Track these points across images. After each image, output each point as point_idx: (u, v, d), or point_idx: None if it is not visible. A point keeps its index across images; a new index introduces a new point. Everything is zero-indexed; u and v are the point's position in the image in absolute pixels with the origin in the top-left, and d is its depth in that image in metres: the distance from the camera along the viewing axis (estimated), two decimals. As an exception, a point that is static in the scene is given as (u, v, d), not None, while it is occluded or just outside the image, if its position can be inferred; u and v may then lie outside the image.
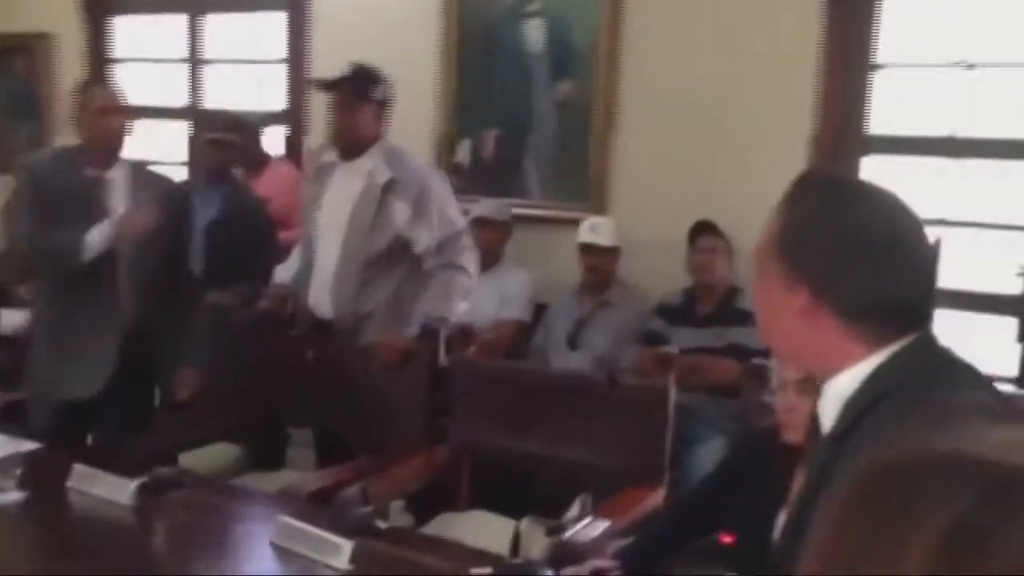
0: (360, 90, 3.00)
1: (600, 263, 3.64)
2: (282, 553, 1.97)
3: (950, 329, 3.33)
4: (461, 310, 3.03)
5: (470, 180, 4.18)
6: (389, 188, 2.96)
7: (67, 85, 5.31)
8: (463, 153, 4.21)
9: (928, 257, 1.24)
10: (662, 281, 3.61)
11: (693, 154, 3.72)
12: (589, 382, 2.77)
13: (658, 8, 3.75)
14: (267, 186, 4.03)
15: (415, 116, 4.22)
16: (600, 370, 3.19)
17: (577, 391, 2.70)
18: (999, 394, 1.30)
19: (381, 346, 2.90)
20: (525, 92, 4.02)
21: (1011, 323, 3.22)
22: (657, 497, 2.50)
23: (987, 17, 3.30)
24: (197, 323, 2.98)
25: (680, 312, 3.50)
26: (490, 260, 3.83)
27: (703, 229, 3.50)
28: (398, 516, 2.63)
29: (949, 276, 3.36)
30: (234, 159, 3.89)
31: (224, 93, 4.89)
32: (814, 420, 1.25)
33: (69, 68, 5.37)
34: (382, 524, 2.11)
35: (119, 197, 2.90)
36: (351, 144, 3.02)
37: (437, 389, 2.86)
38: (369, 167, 2.99)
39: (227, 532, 2.16)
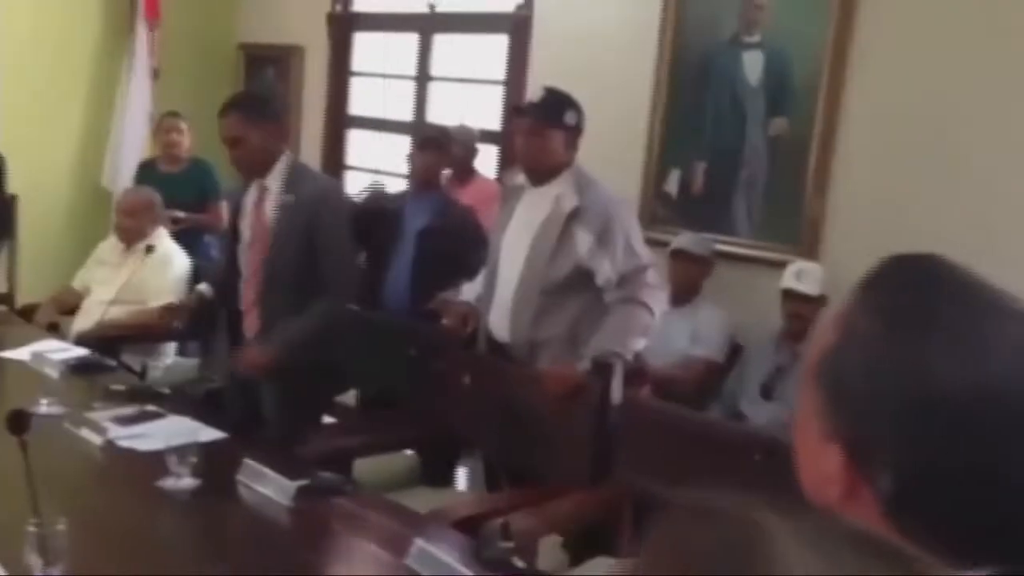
0: (551, 115, 2.98)
1: (804, 311, 3.43)
2: (414, 576, 1.97)
3: None
4: (638, 347, 2.93)
5: (677, 212, 4.08)
6: (574, 216, 2.92)
7: (314, 94, 5.72)
8: (672, 183, 4.12)
9: None
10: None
11: (917, 200, 3.43)
12: (765, 443, 2.58)
13: (885, 44, 3.49)
14: (470, 197, 4.12)
15: (626, 143, 4.19)
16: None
17: (749, 451, 2.53)
18: None
19: (551, 376, 2.86)
20: (739, 125, 3.87)
21: None
22: None
23: None
24: (306, 316, 2.98)
25: None
26: (686, 295, 3.72)
27: None
28: (551, 553, 2.58)
29: None
30: (443, 163, 3.98)
31: (447, 111, 5.03)
32: None
33: (315, 79, 5.73)
34: (519, 562, 2.06)
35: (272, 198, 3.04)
36: (539, 169, 3.00)
37: (606, 426, 2.78)
38: (556, 193, 2.97)
39: (368, 547, 2.18)
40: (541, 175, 3.01)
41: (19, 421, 1.77)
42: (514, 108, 3.20)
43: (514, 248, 3.02)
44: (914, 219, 3.42)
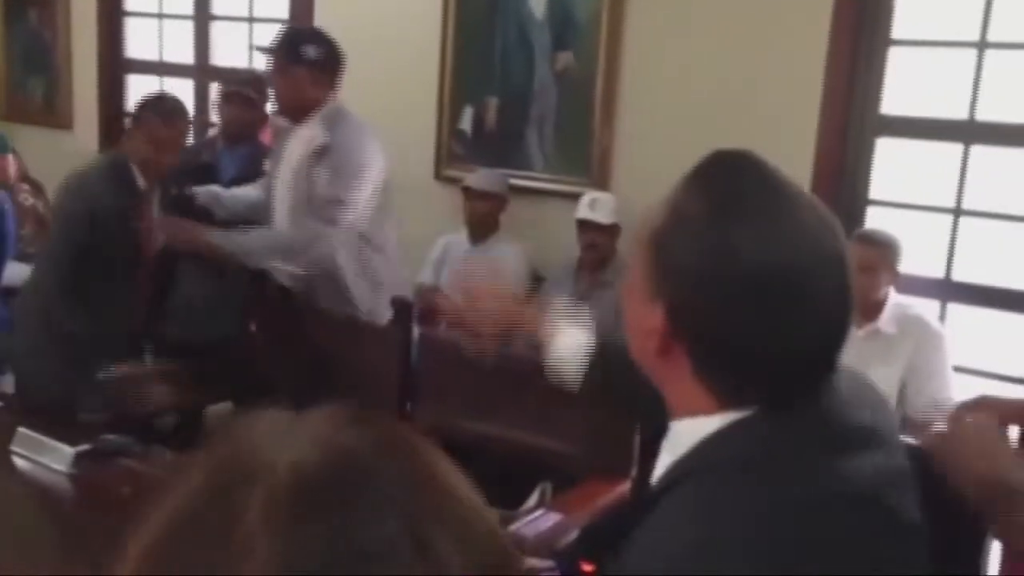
0: (289, 53, 2.90)
1: (599, 240, 3.52)
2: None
3: (964, 326, 3.23)
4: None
5: (472, 149, 4.08)
6: (320, 154, 2.87)
7: (81, 37, 5.32)
8: (466, 121, 4.10)
9: (827, 313, 0.93)
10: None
11: (697, 132, 3.57)
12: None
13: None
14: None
15: (419, 82, 4.14)
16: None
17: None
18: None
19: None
20: (527, 61, 3.89)
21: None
22: (620, 491, 2.39)
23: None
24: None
25: None
26: (484, 232, 3.74)
27: None
28: None
29: (964, 269, 3.24)
30: (252, 115, 3.68)
31: (229, 52, 4.80)
32: None
33: (84, 20, 5.34)
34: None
35: None
36: (289, 107, 2.94)
37: (407, 363, 2.77)
38: (309, 133, 2.90)
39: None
40: (294, 113, 2.94)
41: None
42: (258, 48, 3.08)
43: (279, 189, 2.95)
44: (692, 149, 3.55)
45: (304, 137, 2.92)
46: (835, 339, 0.94)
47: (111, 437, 2.32)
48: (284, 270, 2.88)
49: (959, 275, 3.24)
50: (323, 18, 4.38)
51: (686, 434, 0.95)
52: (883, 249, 2.94)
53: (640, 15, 3.63)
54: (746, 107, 3.45)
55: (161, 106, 2.97)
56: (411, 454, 0.54)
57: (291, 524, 0.47)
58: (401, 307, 2.85)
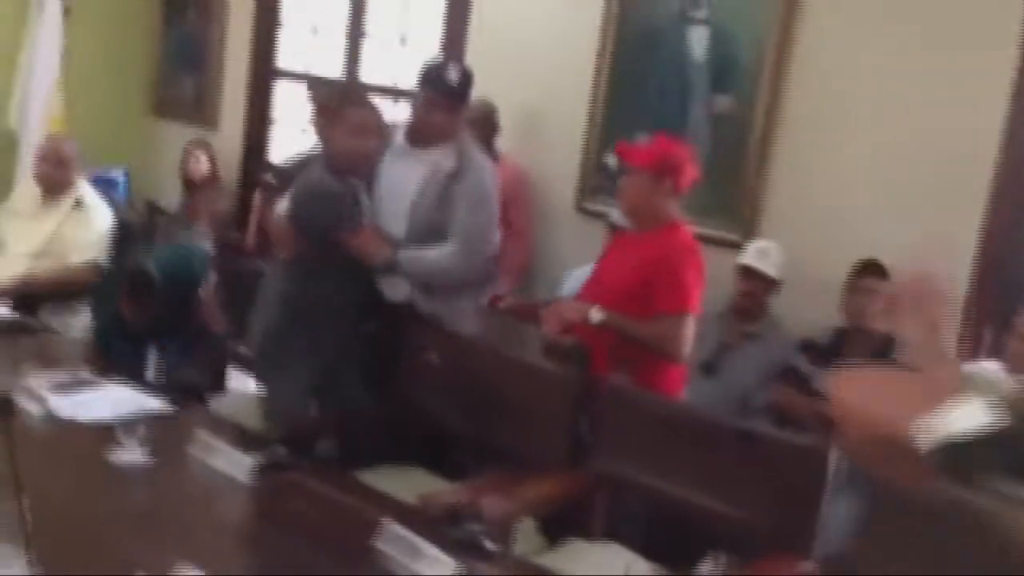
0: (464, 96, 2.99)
1: (760, 290, 3.45)
2: (382, 558, 1.94)
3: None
4: None
5: (616, 183, 4.09)
6: (453, 177, 2.93)
7: (236, 40, 5.50)
8: (612, 155, 4.13)
9: None
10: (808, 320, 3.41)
11: (854, 187, 3.52)
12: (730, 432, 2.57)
13: (835, 26, 3.54)
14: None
15: (568, 113, 4.18)
16: (739, 409, 3.06)
17: (717, 435, 2.52)
18: None
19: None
20: (682, 101, 3.89)
21: None
22: (803, 568, 2.24)
23: None
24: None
25: (828, 353, 3.24)
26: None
27: (870, 269, 3.24)
28: (528, 538, 2.50)
29: None
30: None
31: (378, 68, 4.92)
32: None
33: (240, 24, 5.52)
34: (491, 544, 2.06)
35: None
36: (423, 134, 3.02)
37: (582, 408, 2.70)
38: (437, 158, 2.97)
39: (335, 527, 2.14)
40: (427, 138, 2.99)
41: (5, 406, 1.68)
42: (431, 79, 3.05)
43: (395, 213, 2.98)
44: (852, 202, 3.51)
45: (429, 162, 2.96)
46: None
47: (282, 450, 2.38)
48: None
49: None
50: (476, 43, 4.46)
51: None
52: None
53: (806, 60, 3.60)
54: (911, 165, 3.38)
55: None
56: None
57: None
58: (573, 350, 2.81)
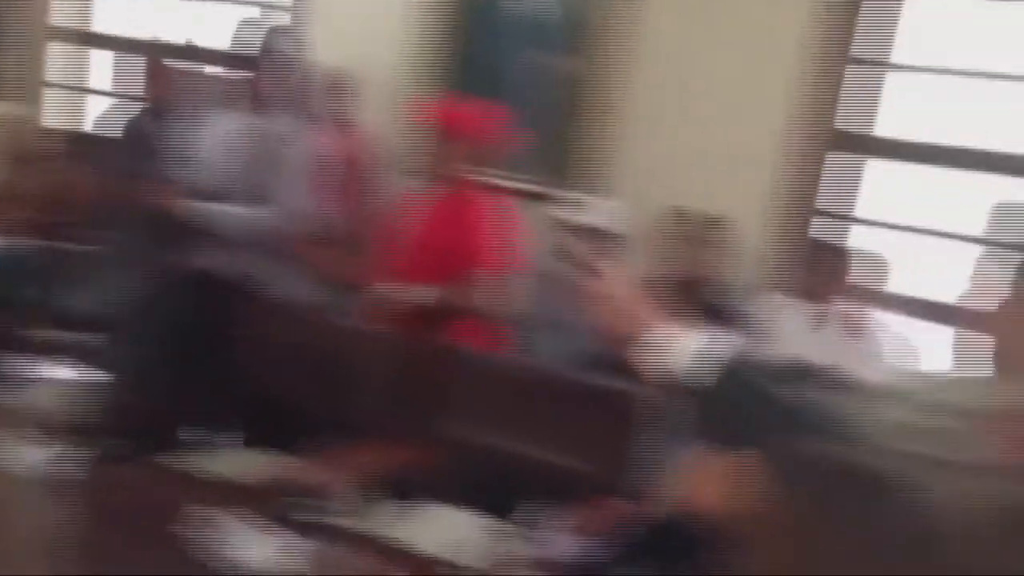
0: None
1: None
2: (202, 545, 1.96)
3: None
4: None
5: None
6: None
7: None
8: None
9: None
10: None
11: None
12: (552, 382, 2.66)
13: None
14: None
15: (412, 83, 4.17)
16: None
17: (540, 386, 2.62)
18: None
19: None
20: (527, 61, 3.93)
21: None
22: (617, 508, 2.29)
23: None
24: None
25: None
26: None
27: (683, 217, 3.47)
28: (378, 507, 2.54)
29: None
30: None
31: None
32: None
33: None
34: (322, 518, 2.09)
35: None
36: None
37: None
38: None
39: (156, 519, 2.11)
40: None
41: None
42: None
43: None
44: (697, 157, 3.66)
45: (260, 125, 3.16)
46: None
47: (116, 442, 2.34)
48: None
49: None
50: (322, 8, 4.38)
51: None
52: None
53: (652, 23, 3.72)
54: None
55: None
56: None
57: None
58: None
